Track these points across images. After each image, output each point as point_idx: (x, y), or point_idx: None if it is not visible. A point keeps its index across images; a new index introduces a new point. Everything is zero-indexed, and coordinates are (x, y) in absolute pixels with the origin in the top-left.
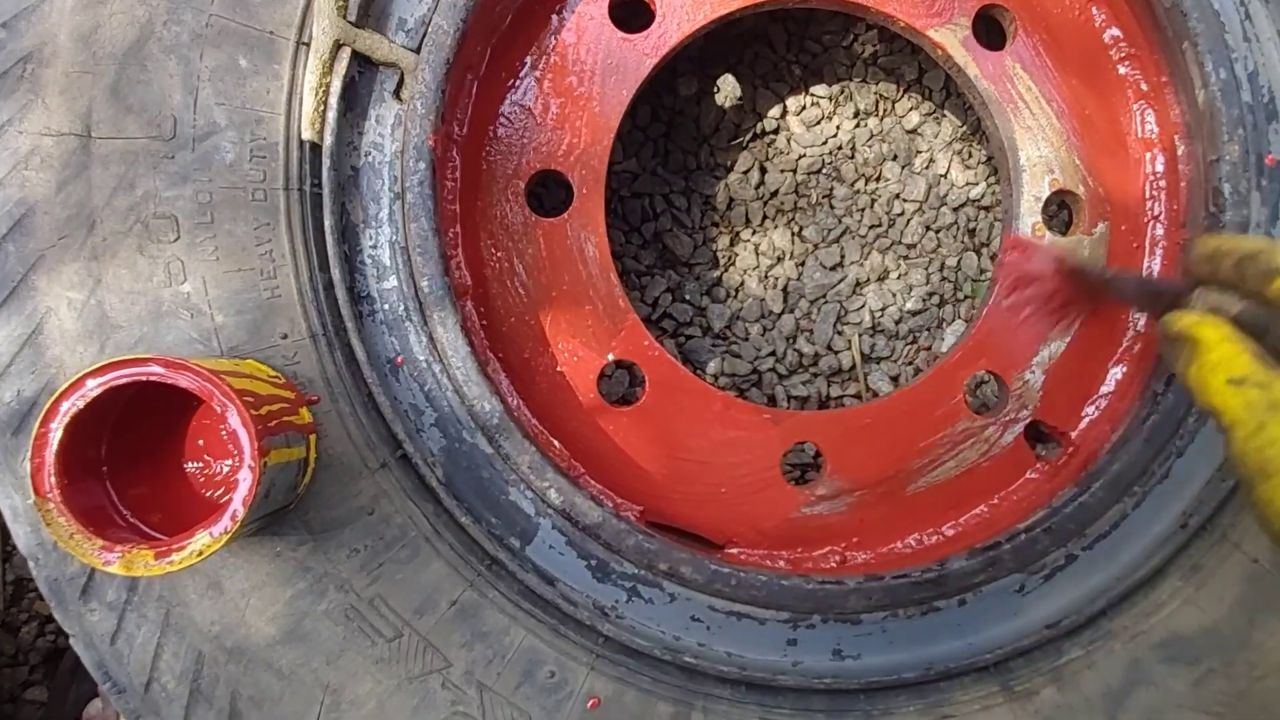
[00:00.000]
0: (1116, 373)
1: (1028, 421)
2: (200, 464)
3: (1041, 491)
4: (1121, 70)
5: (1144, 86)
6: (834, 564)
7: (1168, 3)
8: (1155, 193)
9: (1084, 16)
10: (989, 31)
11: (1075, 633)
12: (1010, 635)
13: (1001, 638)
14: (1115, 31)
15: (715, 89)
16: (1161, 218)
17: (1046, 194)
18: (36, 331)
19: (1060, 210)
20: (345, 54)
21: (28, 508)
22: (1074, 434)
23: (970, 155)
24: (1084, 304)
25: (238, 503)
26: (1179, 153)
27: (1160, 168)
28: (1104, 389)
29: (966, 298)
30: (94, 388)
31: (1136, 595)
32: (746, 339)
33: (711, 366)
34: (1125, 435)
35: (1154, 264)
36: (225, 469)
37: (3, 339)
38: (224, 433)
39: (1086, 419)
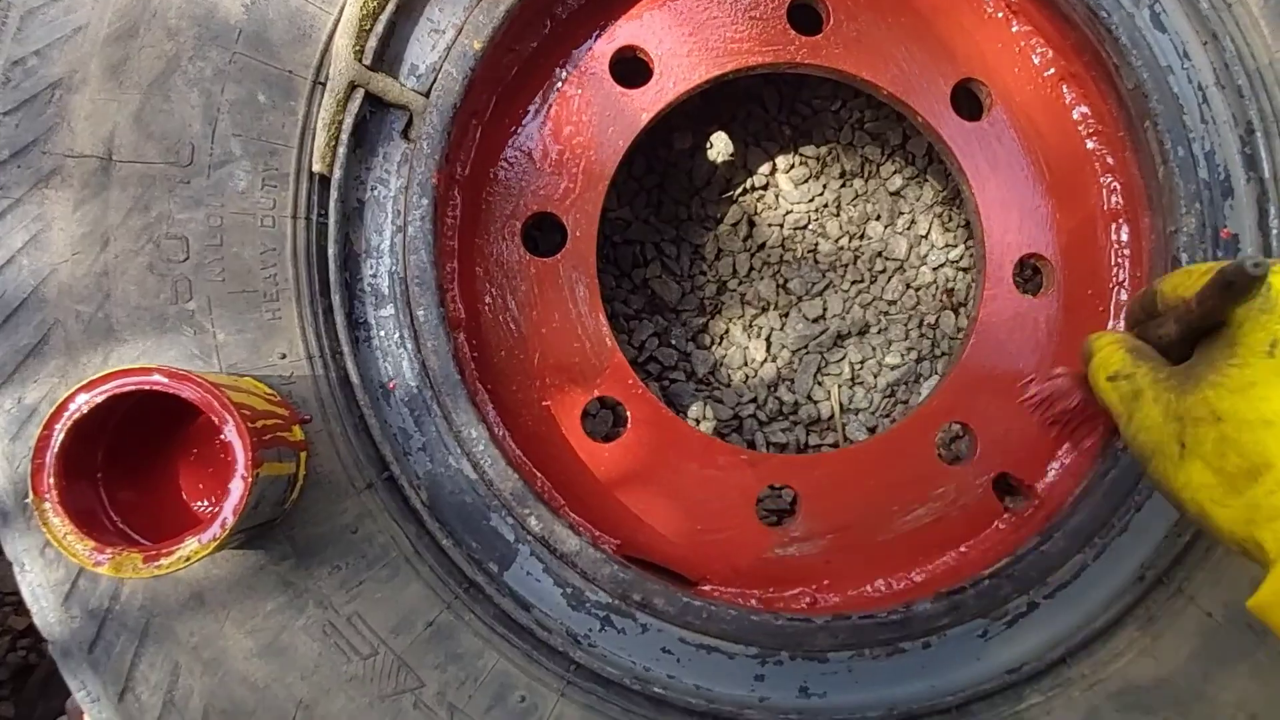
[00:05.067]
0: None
1: (996, 473)
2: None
3: (1008, 542)
4: (1089, 145)
5: (1110, 161)
6: (805, 605)
7: (1130, 85)
8: (1120, 260)
9: (1055, 94)
10: (967, 103)
11: (1035, 679)
12: (972, 679)
13: (964, 681)
14: (1084, 109)
15: (709, 145)
16: (1126, 284)
17: (1017, 258)
18: (43, 341)
19: (1033, 275)
20: (359, 94)
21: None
22: (1040, 487)
23: (950, 219)
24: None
25: (228, 511)
26: (1142, 224)
27: (1125, 237)
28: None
29: (944, 354)
30: (99, 393)
31: (1095, 644)
32: (729, 385)
33: (693, 410)
34: (1087, 488)
35: (1119, 326)
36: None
37: (9, 347)
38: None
39: (1053, 473)
